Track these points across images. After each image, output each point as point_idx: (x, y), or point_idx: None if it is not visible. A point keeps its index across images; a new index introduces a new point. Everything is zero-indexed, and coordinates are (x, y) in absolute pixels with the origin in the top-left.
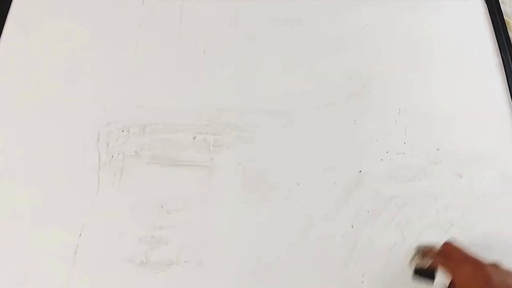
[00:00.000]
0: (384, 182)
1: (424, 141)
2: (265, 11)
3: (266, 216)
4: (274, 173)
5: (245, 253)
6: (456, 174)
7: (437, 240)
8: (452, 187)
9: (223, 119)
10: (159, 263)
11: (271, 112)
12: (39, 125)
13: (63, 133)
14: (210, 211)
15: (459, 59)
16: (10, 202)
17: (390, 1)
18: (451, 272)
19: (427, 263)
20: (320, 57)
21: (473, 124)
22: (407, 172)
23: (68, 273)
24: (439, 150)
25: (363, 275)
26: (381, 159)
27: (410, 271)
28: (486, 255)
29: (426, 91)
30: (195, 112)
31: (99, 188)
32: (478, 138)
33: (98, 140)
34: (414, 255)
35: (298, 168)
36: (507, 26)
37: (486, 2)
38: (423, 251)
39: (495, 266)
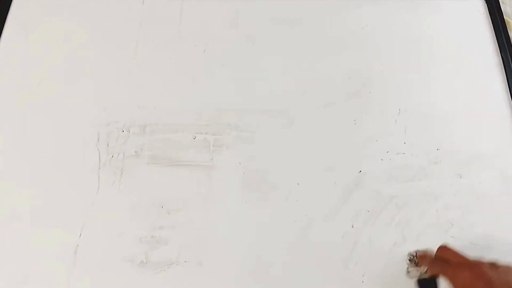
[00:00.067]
0: (384, 182)
1: (424, 141)
2: (265, 11)
3: (266, 216)
4: (274, 173)
5: (245, 253)
6: (456, 174)
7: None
8: (452, 187)
9: (223, 119)
10: (159, 263)
11: (271, 112)
12: (39, 125)
13: (63, 133)
14: (210, 211)
15: (459, 59)
16: (10, 202)
17: (390, 1)
18: (450, 279)
19: (424, 271)
20: (320, 57)
21: (473, 124)
22: (407, 172)
23: (68, 273)
24: (439, 150)
25: (363, 275)
26: (381, 159)
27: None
28: (486, 255)
29: (426, 91)
30: (195, 112)
31: (99, 188)
32: (478, 138)
33: (98, 140)
34: (409, 264)
35: (298, 168)
36: (507, 26)
37: (486, 2)
38: (418, 258)
39: (494, 266)
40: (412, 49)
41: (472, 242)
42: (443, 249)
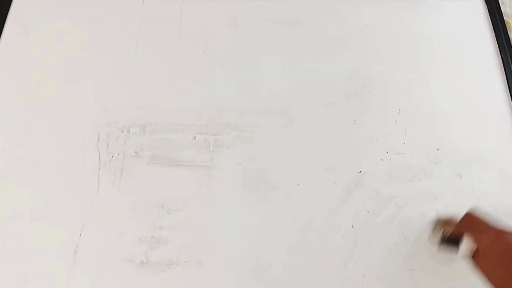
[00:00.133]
0: (384, 182)
1: (424, 141)
2: (265, 11)
3: (266, 216)
4: (274, 173)
5: (245, 253)
6: (456, 174)
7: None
8: (452, 187)
9: (223, 119)
10: (159, 263)
11: (271, 112)
12: (39, 125)
13: (63, 133)
14: (210, 211)
15: (459, 59)
16: (10, 202)
17: (390, 1)
18: (474, 239)
19: (449, 232)
20: (320, 57)
21: (473, 124)
22: (407, 172)
23: (68, 273)
24: (439, 150)
25: (363, 275)
26: (381, 159)
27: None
28: None
29: (426, 91)
30: (195, 112)
31: (99, 188)
32: (478, 138)
33: (98, 140)
34: (435, 226)
35: (298, 168)
36: (507, 27)
37: (486, 3)
38: (444, 222)
39: None
40: (412, 49)
41: None
42: (470, 214)
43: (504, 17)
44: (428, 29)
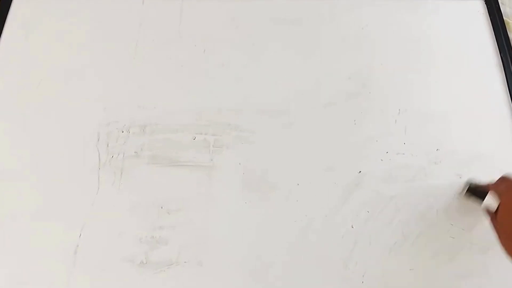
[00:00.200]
0: (384, 182)
1: (424, 141)
2: (265, 11)
3: (266, 216)
4: (274, 173)
5: (245, 253)
6: (456, 174)
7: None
8: (452, 187)
9: (223, 119)
10: (159, 263)
11: (271, 112)
12: (39, 125)
13: (63, 133)
14: (210, 211)
15: (459, 59)
16: (10, 202)
17: (390, 2)
18: (500, 194)
19: (476, 184)
20: (320, 57)
21: (473, 124)
22: (407, 172)
23: (68, 273)
24: (439, 150)
25: (363, 275)
26: (381, 159)
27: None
28: (486, 255)
29: (426, 91)
30: (195, 112)
31: (99, 188)
32: (478, 138)
33: (98, 140)
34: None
35: (298, 168)
36: (506, 27)
37: (485, 3)
38: (475, 184)
39: None
40: (412, 49)
41: (472, 242)
42: (503, 176)
43: (504, 18)
44: (428, 29)
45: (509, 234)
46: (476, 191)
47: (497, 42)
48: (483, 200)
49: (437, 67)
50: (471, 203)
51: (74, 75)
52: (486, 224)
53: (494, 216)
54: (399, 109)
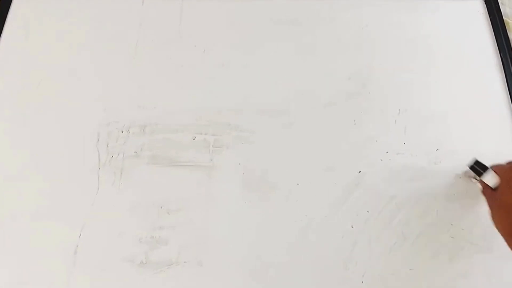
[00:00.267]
0: (384, 182)
1: (424, 141)
2: (265, 11)
3: (266, 216)
4: (274, 173)
5: (245, 253)
6: (456, 174)
7: (437, 240)
8: (452, 187)
9: (223, 119)
10: (159, 263)
11: (271, 112)
12: (39, 125)
13: (63, 133)
14: (210, 211)
15: (459, 59)
16: (10, 202)
17: (390, 1)
18: (505, 171)
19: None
20: (320, 57)
21: (473, 124)
22: (407, 172)
23: (68, 273)
24: (439, 150)
25: (363, 275)
26: (381, 159)
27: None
28: (486, 256)
29: (426, 91)
30: (195, 112)
31: (99, 188)
32: (478, 138)
33: (98, 140)
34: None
35: (298, 168)
36: (506, 27)
37: (485, 3)
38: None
39: None
40: (412, 49)
41: (472, 242)
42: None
43: (504, 17)
44: (427, 29)
45: (506, 210)
46: (480, 164)
47: (497, 42)
48: (484, 172)
49: (437, 67)
50: (471, 204)
51: (74, 75)
52: (486, 224)
53: (489, 189)
54: (399, 109)
